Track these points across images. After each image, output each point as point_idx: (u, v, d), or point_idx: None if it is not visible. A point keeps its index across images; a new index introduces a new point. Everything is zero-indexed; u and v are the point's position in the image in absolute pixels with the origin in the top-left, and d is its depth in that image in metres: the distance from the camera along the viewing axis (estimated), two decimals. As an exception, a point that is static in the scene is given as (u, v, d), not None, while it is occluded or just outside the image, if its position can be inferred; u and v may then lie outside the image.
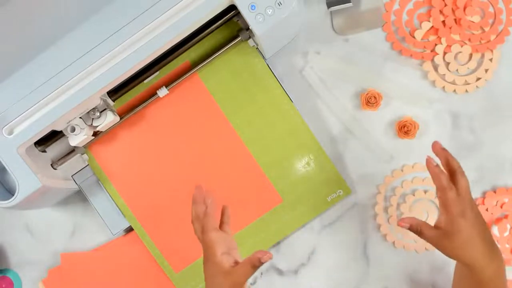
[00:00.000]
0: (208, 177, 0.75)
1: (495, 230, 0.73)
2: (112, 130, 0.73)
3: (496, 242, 0.73)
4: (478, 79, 0.75)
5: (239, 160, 0.75)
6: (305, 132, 0.74)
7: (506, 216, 0.73)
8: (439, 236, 0.59)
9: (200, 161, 0.75)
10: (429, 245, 0.74)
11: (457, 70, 0.75)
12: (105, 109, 0.68)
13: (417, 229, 0.60)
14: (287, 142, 0.74)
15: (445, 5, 0.74)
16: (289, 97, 0.74)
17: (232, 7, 0.66)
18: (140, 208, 0.75)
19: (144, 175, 0.75)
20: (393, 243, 0.75)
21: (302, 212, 0.75)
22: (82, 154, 0.73)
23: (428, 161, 0.60)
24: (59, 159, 0.72)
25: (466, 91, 0.75)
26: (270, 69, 0.74)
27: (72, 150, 0.72)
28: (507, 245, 0.73)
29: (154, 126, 0.75)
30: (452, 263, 0.74)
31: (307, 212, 0.75)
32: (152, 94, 0.73)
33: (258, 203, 0.75)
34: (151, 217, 0.75)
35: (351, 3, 0.74)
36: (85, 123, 0.67)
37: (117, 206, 0.74)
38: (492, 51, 0.74)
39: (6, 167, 0.63)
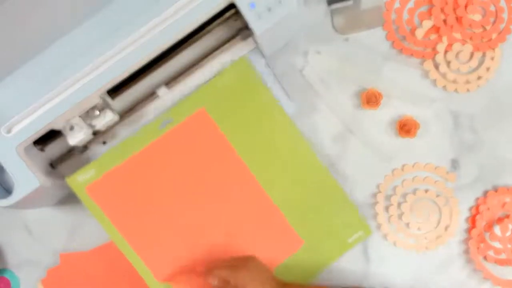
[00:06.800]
0: (223, 223, 0.71)
1: (496, 230, 0.73)
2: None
3: (498, 242, 0.73)
4: (480, 78, 0.74)
5: (255, 202, 0.71)
6: (322, 172, 0.72)
7: (507, 216, 0.73)
8: None
9: (214, 205, 0.71)
10: (429, 245, 0.73)
11: (458, 69, 0.74)
12: (104, 108, 0.68)
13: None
14: (305, 183, 0.72)
15: (446, 3, 0.74)
16: (301, 134, 0.72)
17: (232, 6, 0.65)
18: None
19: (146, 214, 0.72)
20: (394, 242, 0.74)
21: (324, 255, 0.72)
22: (81, 153, 0.73)
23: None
24: (57, 158, 0.71)
25: (468, 90, 0.74)
26: (280, 104, 0.72)
27: (71, 149, 0.72)
28: (509, 245, 0.73)
29: (161, 163, 0.71)
30: (453, 263, 0.74)
31: (329, 255, 0.73)
32: (152, 93, 0.73)
33: (279, 248, 0.71)
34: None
35: (351, 1, 0.73)
36: (84, 122, 0.67)
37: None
38: (493, 49, 0.74)
39: (4, 166, 0.63)
